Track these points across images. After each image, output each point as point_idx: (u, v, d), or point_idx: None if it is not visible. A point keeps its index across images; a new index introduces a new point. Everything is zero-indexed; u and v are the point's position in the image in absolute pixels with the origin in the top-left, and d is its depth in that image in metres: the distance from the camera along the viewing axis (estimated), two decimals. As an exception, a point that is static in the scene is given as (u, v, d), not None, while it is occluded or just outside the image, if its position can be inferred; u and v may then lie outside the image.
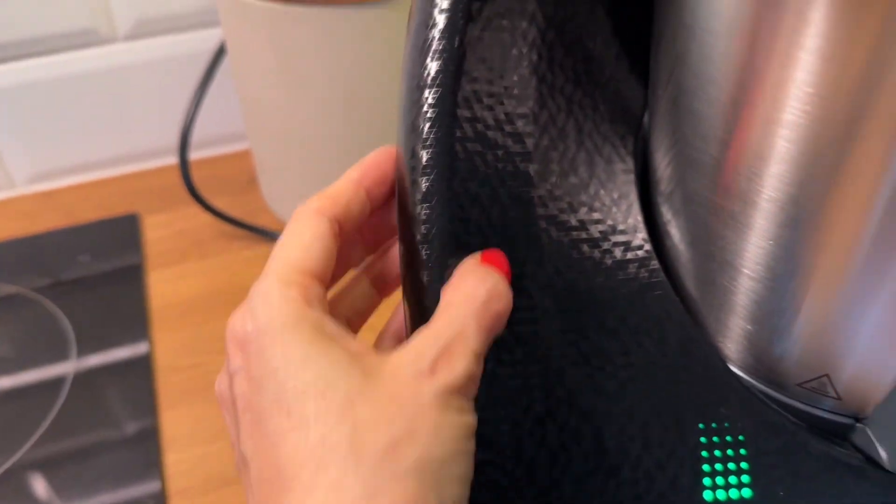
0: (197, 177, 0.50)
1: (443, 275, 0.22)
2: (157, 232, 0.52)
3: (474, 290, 0.21)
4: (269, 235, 0.50)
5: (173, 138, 0.48)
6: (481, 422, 0.22)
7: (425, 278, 0.23)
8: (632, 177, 0.25)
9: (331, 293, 0.25)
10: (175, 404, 0.42)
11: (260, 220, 0.51)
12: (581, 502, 0.23)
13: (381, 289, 0.27)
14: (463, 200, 0.23)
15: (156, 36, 0.53)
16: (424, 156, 0.22)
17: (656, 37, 0.23)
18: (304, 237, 0.22)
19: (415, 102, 0.23)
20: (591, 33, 0.25)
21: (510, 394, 0.23)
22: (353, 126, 0.42)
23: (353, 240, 0.25)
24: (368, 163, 0.24)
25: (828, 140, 0.18)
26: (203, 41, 0.52)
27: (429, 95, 0.22)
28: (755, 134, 0.19)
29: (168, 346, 0.45)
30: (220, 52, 0.47)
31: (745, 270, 0.22)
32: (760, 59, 0.18)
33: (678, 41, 0.21)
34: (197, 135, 0.50)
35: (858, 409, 0.23)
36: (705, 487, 0.23)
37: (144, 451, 0.39)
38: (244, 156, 0.55)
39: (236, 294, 0.47)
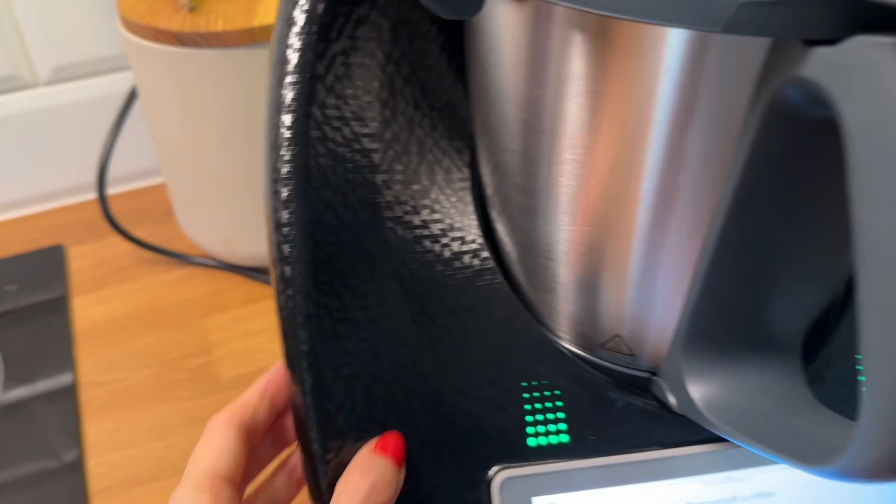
0: (117, 210, 0.53)
1: (305, 270, 0.26)
2: (80, 262, 0.55)
3: (358, 486, 0.24)
4: (185, 259, 0.54)
5: (94, 174, 0.52)
6: (340, 391, 0.26)
7: (288, 291, 0.26)
8: (467, 184, 0.30)
9: (250, 488, 0.29)
10: (96, 416, 0.44)
11: (177, 247, 0.55)
12: (427, 449, 0.27)
13: (297, 480, 0.30)
14: (317, 205, 0.27)
15: (74, 80, 0.57)
16: (284, 169, 0.27)
17: (467, 67, 0.28)
18: (213, 446, 0.26)
19: (274, 125, 0.27)
20: (428, 67, 0.29)
21: (363, 365, 0.27)
22: (252, 156, 0.46)
23: (264, 441, 0.29)
24: (271, 375, 0.28)
25: (581, 145, 0.23)
26: (117, 84, 0.56)
27: (286, 119, 0.27)
28: (531, 142, 0.24)
29: (91, 364, 0.48)
30: (132, 94, 0.51)
31: (543, 253, 0.26)
32: (523, 85, 0.23)
33: (475, 71, 0.26)
34: (116, 171, 0.54)
35: (652, 365, 0.28)
36: (528, 435, 0.27)
37: (72, 476, 0.42)
38: (160, 189, 0.58)
39: (155, 313, 0.51)
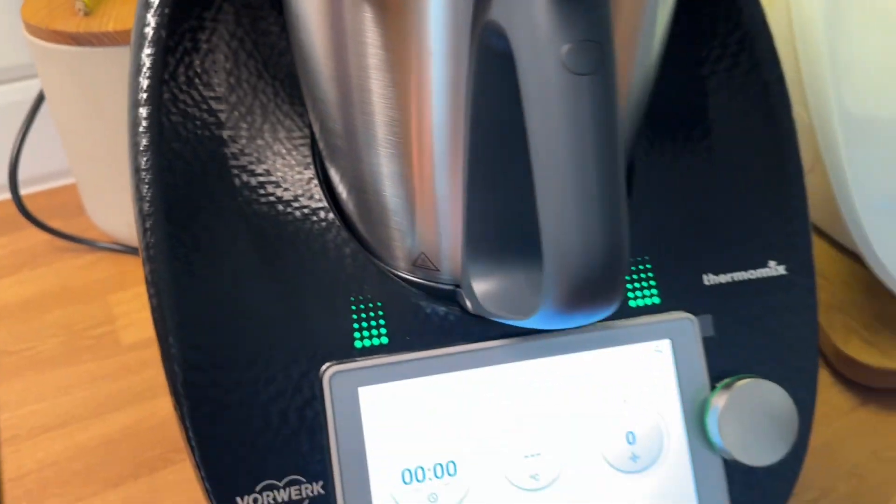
0: (32, 207, 0.57)
1: (160, 209, 0.32)
2: (-4, 252, 0.59)
3: None
4: (94, 245, 0.58)
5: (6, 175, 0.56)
6: (195, 310, 0.31)
7: (146, 224, 0.32)
8: (307, 140, 0.35)
9: None
10: (8, 379, 0.49)
11: (87, 236, 0.59)
12: (269, 350, 0.32)
13: None
14: (169, 155, 0.32)
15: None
16: (141, 124, 0.32)
17: (290, 36, 0.33)
18: None
19: (134, 89, 0.32)
20: (270, 45, 0.35)
21: (214, 287, 0.32)
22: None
23: None
24: None
25: (371, 91, 0.29)
26: (27, 90, 0.61)
27: (142, 83, 0.32)
28: (331, 93, 0.30)
29: (3, 336, 0.52)
30: (39, 98, 0.55)
31: (360, 189, 0.32)
32: (322, 41, 0.29)
33: (292, 37, 0.32)
34: (30, 173, 0.58)
35: (455, 278, 0.34)
36: (355, 339, 0.33)
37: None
38: (72, 188, 0.63)
39: (65, 292, 0.55)
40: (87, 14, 0.49)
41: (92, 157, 0.54)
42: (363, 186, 0.32)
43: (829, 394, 0.46)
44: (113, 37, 0.48)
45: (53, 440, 0.44)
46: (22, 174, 0.57)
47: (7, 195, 0.64)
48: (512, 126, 0.26)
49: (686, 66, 0.37)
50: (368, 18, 0.27)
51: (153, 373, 0.48)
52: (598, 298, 0.24)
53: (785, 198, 0.36)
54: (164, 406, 0.46)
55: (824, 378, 0.47)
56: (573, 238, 0.23)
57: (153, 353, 0.49)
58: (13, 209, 0.57)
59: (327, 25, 0.28)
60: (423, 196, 0.31)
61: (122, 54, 0.49)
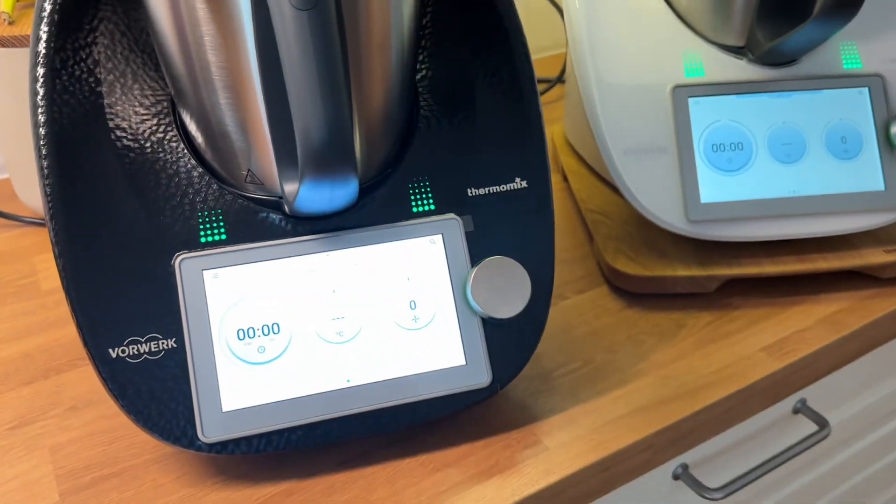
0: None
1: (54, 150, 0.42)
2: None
3: None
4: (22, 220, 0.68)
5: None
6: (73, 224, 0.42)
7: (43, 159, 0.42)
8: (168, 96, 0.47)
9: None
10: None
11: (18, 213, 0.69)
12: (139, 252, 0.43)
13: None
14: (60, 105, 0.43)
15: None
16: (39, 81, 0.43)
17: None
18: None
19: (34, 55, 0.43)
20: (140, 28, 0.46)
21: (86, 213, 0.43)
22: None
23: None
24: None
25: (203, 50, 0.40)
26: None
27: (41, 49, 0.43)
28: (176, 55, 0.41)
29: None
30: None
31: (201, 124, 0.43)
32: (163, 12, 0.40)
33: (148, 18, 0.43)
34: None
35: (279, 191, 0.45)
36: (201, 236, 0.44)
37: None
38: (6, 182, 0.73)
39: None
40: (10, 23, 0.60)
41: (18, 144, 0.65)
42: (206, 122, 0.44)
43: (605, 300, 0.58)
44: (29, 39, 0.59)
45: (-21, 360, 0.54)
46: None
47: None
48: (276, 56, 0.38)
49: (459, 51, 0.48)
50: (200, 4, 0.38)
51: (64, 310, 0.58)
52: (331, 164, 0.35)
53: (527, 135, 0.48)
54: (73, 331, 0.56)
55: (601, 289, 0.59)
56: (307, 123, 0.34)
57: (67, 296, 0.59)
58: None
59: (168, 8, 0.40)
60: (245, 122, 0.42)
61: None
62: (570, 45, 0.59)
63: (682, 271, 0.57)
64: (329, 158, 0.35)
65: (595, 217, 0.64)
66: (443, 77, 0.49)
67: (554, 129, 0.80)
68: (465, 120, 0.48)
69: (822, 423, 0.58)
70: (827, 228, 0.57)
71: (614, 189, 0.67)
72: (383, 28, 0.42)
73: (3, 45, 0.59)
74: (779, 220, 0.57)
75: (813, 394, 0.61)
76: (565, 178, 0.73)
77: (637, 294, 0.58)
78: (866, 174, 0.57)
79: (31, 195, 0.69)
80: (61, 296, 0.60)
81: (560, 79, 0.95)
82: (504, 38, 0.48)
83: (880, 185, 0.57)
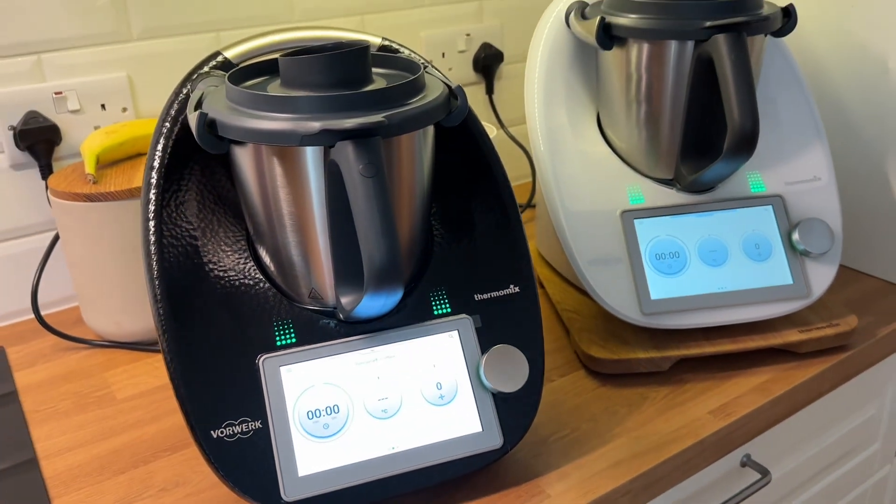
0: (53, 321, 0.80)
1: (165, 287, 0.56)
2: (16, 354, 0.80)
3: None
4: (92, 343, 0.80)
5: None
6: (183, 352, 0.55)
7: (158, 301, 0.56)
8: (244, 236, 0.60)
9: None
10: (38, 426, 0.69)
11: (86, 336, 0.81)
12: (232, 357, 0.55)
13: None
14: (167, 246, 0.57)
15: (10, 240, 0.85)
16: (151, 238, 0.56)
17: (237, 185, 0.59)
18: None
19: (145, 229, 0.57)
20: (221, 186, 0.61)
21: (193, 343, 0.56)
22: (134, 265, 0.75)
23: None
24: None
25: (283, 219, 0.55)
26: (42, 240, 0.85)
27: (150, 208, 0.57)
28: (259, 207, 0.55)
29: (30, 402, 0.72)
30: (53, 243, 0.79)
31: (274, 256, 0.57)
32: (253, 188, 0.55)
33: (235, 178, 0.58)
34: (44, 298, 0.80)
35: (335, 302, 0.58)
36: (276, 341, 0.57)
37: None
38: (75, 309, 0.85)
39: (71, 374, 0.76)
40: (94, 182, 0.75)
41: (93, 279, 0.78)
42: (278, 255, 0.57)
43: (583, 381, 0.71)
44: (113, 195, 0.73)
45: (77, 455, 0.65)
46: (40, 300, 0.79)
47: (26, 315, 0.86)
48: (347, 210, 0.53)
49: (460, 192, 0.64)
50: (277, 168, 0.53)
51: (140, 414, 0.70)
52: (389, 281, 0.49)
53: (515, 252, 0.63)
54: (153, 429, 0.67)
55: (579, 372, 0.72)
56: (373, 254, 0.49)
57: (140, 403, 0.71)
58: (35, 324, 0.79)
59: (255, 175, 0.54)
60: (308, 255, 0.56)
61: (118, 207, 0.74)
62: (539, 182, 0.75)
63: (642, 354, 0.71)
64: (388, 276, 0.49)
65: (569, 315, 0.78)
66: (449, 212, 0.64)
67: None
68: (468, 242, 0.63)
69: (764, 472, 0.71)
70: (751, 315, 0.72)
71: (582, 292, 0.82)
72: (411, 183, 0.57)
73: (89, 200, 0.73)
74: (713, 310, 0.71)
75: (756, 449, 0.74)
76: (542, 286, 0.88)
77: (608, 374, 0.72)
78: (777, 272, 0.73)
79: (97, 320, 0.81)
80: (135, 402, 0.71)
81: (529, 204, 1.12)
82: (493, 181, 0.64)
83: (789, 280, 0.73)
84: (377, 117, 0.49)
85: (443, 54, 1.08)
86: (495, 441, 0.58)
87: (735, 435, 0.66)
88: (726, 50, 0.65)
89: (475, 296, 0.62)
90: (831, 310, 0.77)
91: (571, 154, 0.75)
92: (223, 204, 0.60)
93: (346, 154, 0.49)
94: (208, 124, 0.52)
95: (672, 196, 0.74)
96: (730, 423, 0.65)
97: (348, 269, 0.56)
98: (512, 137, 1.14)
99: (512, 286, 0.62)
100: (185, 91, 0.61)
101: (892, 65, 0.82)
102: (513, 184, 1.24)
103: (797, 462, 0.80)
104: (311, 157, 0.52)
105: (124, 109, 0.87)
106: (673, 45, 0.70)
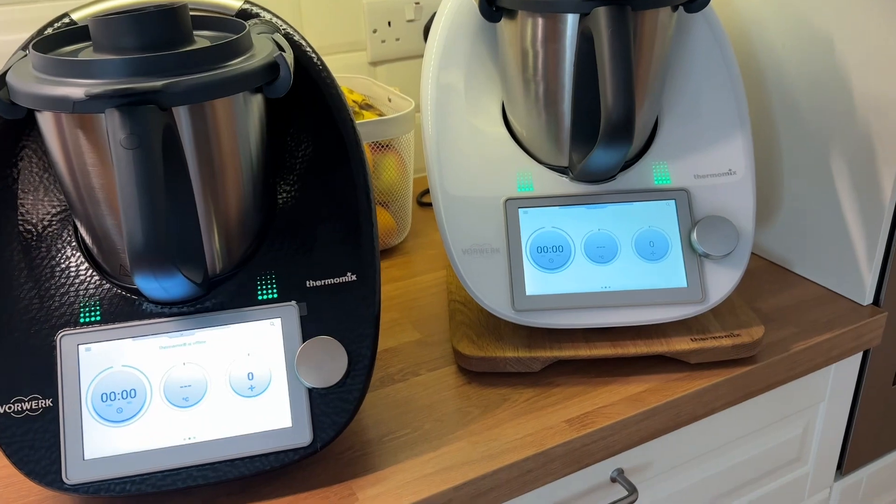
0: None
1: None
2: None
3: None
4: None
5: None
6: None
7: None
8: (69, 210, 0.58)
9: None
10: None
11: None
12: (30, 329, 0.53)
13: None
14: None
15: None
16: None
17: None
18: None
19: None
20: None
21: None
22: None
23: None
24: None
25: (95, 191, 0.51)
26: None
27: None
28: (69, 182, 0.52)
29: None
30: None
31: (90, 232, 0.54)
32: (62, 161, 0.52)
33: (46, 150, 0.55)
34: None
35: (148, 282, 0.55)
36: (80, 317, 0.54)
37: None
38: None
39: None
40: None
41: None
42: (91, 227, 0.55)
43: (450, 378, 0.67)
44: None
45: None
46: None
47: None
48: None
49: (316, 175, 0.60)
50: (78, 138, 0.50)
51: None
52: (146, 263, 0.46)
53: (360, 238, 0.58)
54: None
55: (450, 367, 0.68)
56: (132, 235, 0.45)
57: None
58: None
59: (58, 145, 0.51)
60: (117, 228, 0.53)
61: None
62: (428, 167, 0.70)
63: (511, 353, 0.66)
64: (146, 260, 0.46)
65: (456, 306, 0.74)
66: (303, 195, 0.60)
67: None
68: (309, 224, 0.59)
69: (632, 489, 0.65)
70: (636, 319, 0.66)
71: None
72: (230, 157, 0.53)
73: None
74: (594, 310, 0.66)
75: (630, 465, 0.68)
76: (447, 271, 0.83)
77: (476, 372, 0.67)
78: (671, 273, 0.67)
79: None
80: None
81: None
82: (345, 160, 0.59)
83: (683, 283, 0.66)
84: (151, 83, 0.45)
85: (389, 23, 1.03)
86: (304, 438, 0.54)
87: (592, 448, 0.61)
88: (604, 24, 0.58)
89: (307, 282, 0.58)
90: (739, 318, 0.70)
91: (461, 126, 0.69)
92: (52, 171, 0.58)
93: (111, 122, 0.45)
94: (4, 91, 0.50)
95: (565, 185, 0.69)
96: (584, 435, 0.60)
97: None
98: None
99: (349, 274, 0.58)
100: (25, 54, 0.58)
101: (842, 47, 0.73)
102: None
103: (694, 481, 0.74)
104: (102, 125, 0.49)
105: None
106: (566, 19, 0.63)
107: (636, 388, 0.65)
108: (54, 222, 0.57)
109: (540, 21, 0.65)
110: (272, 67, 0.52)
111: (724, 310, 0.71)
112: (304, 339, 0.56)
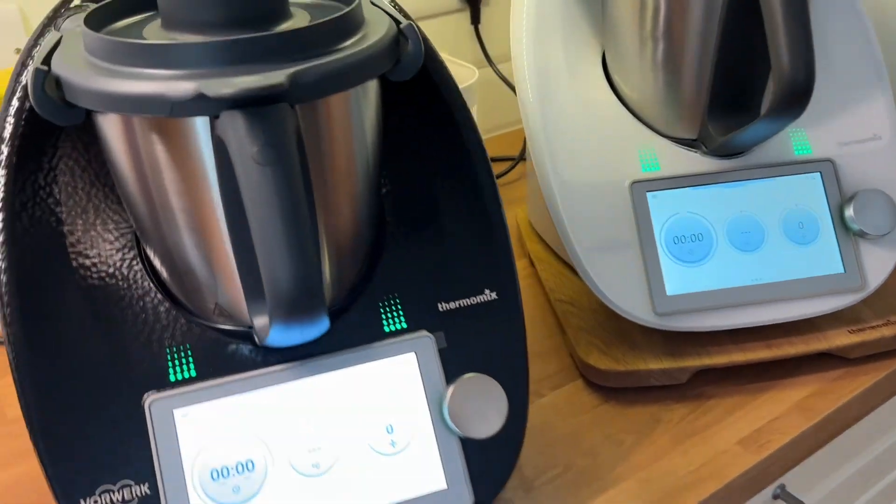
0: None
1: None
2: None
3: None
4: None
5: None
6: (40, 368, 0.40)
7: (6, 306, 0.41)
8: (131, 229, 0.46)
9: None
10: None
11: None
12: (105, 394, 0.41)
13: None
14: (22, 247, 0.42)
15: None
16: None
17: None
18: None
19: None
20: (102, 162, 0.46)
21: (53, 355, 0.41)
22: None
23: None
24: None
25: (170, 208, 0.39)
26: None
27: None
28: (138, 198, 0.40)
29: None
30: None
31: (166, 261, 0.42)
32: (127, 171, 0.40)
33: (106, 157, 0.42)
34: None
35: (247, 322, 0.44)
36: (170, 374, 0.42)
37: None
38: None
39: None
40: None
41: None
42: (170, 260, 0.43)
43: (579, 395, 0.58)
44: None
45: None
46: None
47: None
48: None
49: (421, 169, 0.48)
50: (157, 146, 0.38)
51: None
52: (299, 311, 0.35)
53: (492, 245, 0.48)
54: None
55: (576, 383, 0.59)
56: (276, 277, 0.34)
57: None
58: None
59: (128, 156, 0.39)
60: (211, 261, 0.41)
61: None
62: (528, 145, 0.60)
63: (654, 364, 0.57)
64: (298, 306, 0.34)
65: (565, 308, 0.64)
66: (406, 193, 0.49)
67: (518, 213, 0.80)
68: (432, 235, 0.48)
69: (802, 508, 0.58)
70: (791, 314, 0.57)
71: (578, 274, 0.67)
72: (347, 160, 0.42)
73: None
74: (744, 308, 0.57)
75: (791, 479, 0.61)
76: (532, 264, 0.73)
77: (611, 388, 0.58)
78: (825, 258, 0.58)
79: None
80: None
81: (522, 157, 0.96)
82: (464, 152, 0.48)
83: (839, 268, 0.58)
84: (278, 76, 0.33)
85: (418, -22, 0.91)
86: (464, 500, 0.44)
87: (771, 469, 0.52)
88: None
89: (439, 305, 0.47)
90: (888, 301, 0.62)
91: (569, 105, 0.59)
92: (105, 186, 0.45)
93: (235, 131, 0.33)
94: (51, 85, 0.37)
95: (696, 162, 0.59)
96: (765, 458, 0.51)
97: (258, 281, 0.41)
98: (503, 77, 0.98)
99: (488, 291, 0.48)
100: (48, 35, 0.45)
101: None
102: (504, 131, 1.08)
103: (833, 486, 0.67)
104: (202, 130, 0.37)
105: (17, 50, 0.70)
106: (702, -35, 0.53)
107: (798, 392, 0.57)
108: (115, 251, 0.45)
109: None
110: (396, 42, 0.41)
111: (871, 296, 0.63)
112: (447, 376, 0.45)
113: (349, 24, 0.39)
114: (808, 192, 0.59)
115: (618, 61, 0.61)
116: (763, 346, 0.58)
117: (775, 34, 0.49)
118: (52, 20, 0.46)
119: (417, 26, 0.42)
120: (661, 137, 0.60)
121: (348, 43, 0.38)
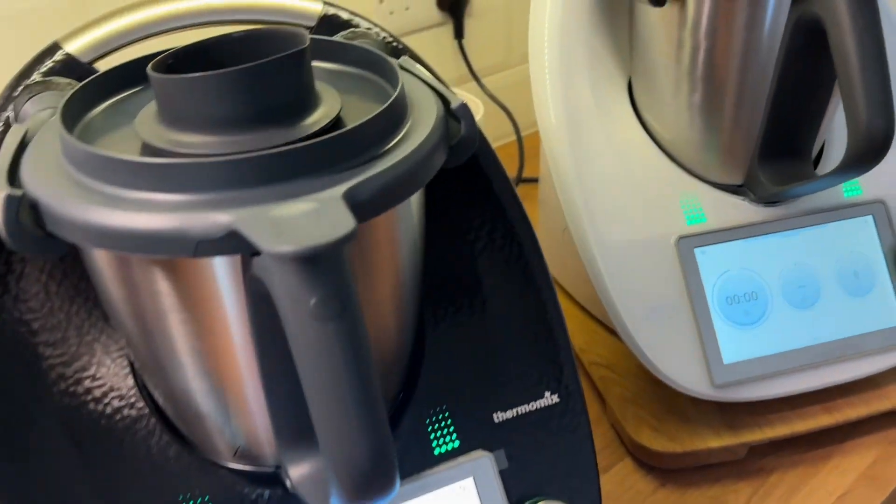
0: None
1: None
2: None
3: None
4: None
5: None
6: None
7: None
8: (124, 353, 0.38)
9: None
10: None
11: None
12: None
13: None
14: None
15: None
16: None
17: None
18: None
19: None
20: (80, 273, 0.37)
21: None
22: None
23: None
24: None
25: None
26: None
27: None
28: (135, 332, 0.33)
29: None
30: None
31: (170, 399, 0.35)
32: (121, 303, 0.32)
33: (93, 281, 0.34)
34: None
35: (273, 462, 0.37)
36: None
37: None
38: None
39: None
40: None
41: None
42: (175, 398, 0.35)
43: (633, 479, 0.52)
44: None
45: None
46: None
47: None
48: (286, 352, 0.30)
49: (459, 253, 0.41)
50: (163, 284, 0.30)
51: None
52: (374, 490, 0.28)
53: (550, 339, 0.42)
54: None
55: (628, 465, 0.53)
56: (345, 451, 0.27)
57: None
58: None
59: (125, 292, 0.31)
60: (231, 403, 0.34)
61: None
62: (560, 198, 0.53)
63: (714, 441, 0.52)
64: (375, 485, 0.27)
65: (602, 373, 0.58)
66: (446, 288, 0.42)
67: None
68: (477, 332, 0.41)
69: (874, 585, 0.54)
70: (852, 374, 0.53)
71: (610, 330, 0.62)
72: (396, 272, 0.35)
73: None
74: (803, 372, 0.52)
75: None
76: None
77: (669, 469, 0.52)
78: (883, 309, 0.54)
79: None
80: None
81: (519, 179, 0.89)
82: (511, 238, 0.42)
83: (897, 320, 0.54)
84: (344, 218, 0.26)
85: (396, -9, 0.83)
86: None
87: (849, 555, 0.48)
88: (847, 8, 0.43)
89: (494, 415, 0.40)
90: (940, 346, 0.59)
91: (601, 149, 0.53)
92: (85, 294, 0.37)
93: (283, 276, 0.26)
94: (26, 212, 0.29)
95: (743, 211, 0.54)
96: (847, 548, 0.47)
97: (296, 427, 0.34)
98: (489, 94, 0.91)
99: (548, 394, 0.41)
100: (6, 115, 0.37)
101: None
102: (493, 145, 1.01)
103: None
104: (224, 269, 0.29)
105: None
106: (767, 3, 0.47)
107: (862, 459, 0.52)
108: (106, 382, 0.37)
109: (715, 3, 0.48)
110: (446, 124, 0.34)
111: (922, 338, 0.59)
112: (511, 501, 0.39)
113: (399, 112, 0.32)
114: (861, 236, 0.55)
115: (648, 99, 0.55)
116: (821, 409, 0.54)
117: (848, 79, 0.43)
118: (7, 100, 0.37)
119: (464, 103, 0.35)
120: (702, 184, 0.54)
121: (399, 136, 0.31)
